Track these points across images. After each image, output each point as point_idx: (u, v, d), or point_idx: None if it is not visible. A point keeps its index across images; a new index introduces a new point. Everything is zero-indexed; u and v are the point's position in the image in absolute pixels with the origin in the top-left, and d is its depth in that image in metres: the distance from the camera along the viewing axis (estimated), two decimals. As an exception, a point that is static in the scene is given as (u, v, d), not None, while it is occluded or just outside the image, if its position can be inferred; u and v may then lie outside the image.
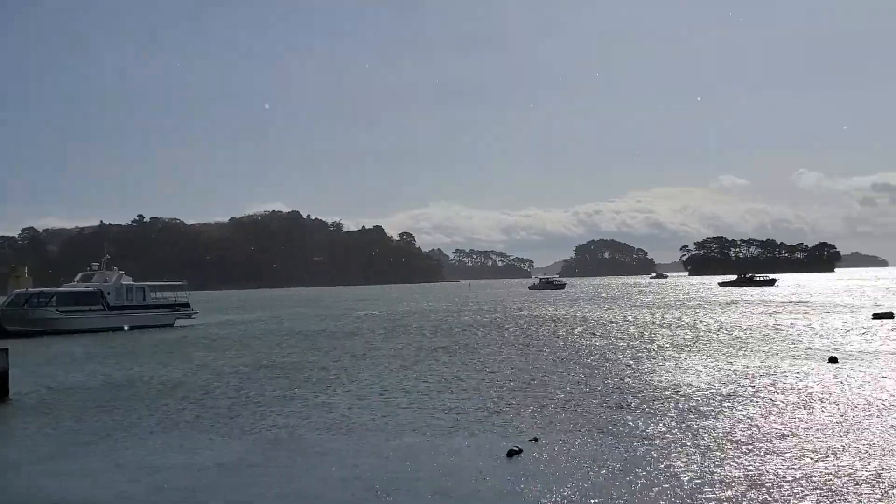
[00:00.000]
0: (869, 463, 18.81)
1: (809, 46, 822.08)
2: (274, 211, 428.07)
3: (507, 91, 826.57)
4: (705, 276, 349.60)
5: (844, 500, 16.10)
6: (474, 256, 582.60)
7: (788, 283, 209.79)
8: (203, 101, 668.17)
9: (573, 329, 64.67)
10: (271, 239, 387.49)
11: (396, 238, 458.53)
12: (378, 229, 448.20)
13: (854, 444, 20.73)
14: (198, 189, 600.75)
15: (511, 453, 20.69)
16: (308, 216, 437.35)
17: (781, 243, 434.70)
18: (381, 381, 35.60)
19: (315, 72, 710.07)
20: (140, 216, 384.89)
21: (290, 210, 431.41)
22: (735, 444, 21.11)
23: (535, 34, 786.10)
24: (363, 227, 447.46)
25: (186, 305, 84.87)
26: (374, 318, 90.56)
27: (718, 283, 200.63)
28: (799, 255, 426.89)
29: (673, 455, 20.14)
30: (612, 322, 72.05)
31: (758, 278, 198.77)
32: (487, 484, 18.12)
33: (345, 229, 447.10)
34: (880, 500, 16.05)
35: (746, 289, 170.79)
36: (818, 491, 16.67)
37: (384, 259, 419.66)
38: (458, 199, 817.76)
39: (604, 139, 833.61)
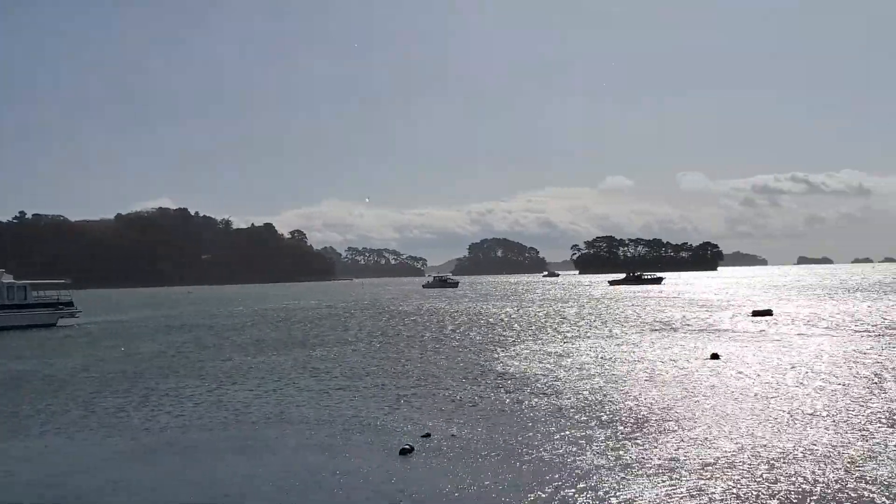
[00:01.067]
0: (741, 450, 19.70)
1: (689, 53, 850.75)
2: (161, 208, 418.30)
3: (400, 90, 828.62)
4: (595, 275, 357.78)
5: (718, 483, 16.83)
6: (367, 255, 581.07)
7: (674, 281, 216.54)
8: (86, 96, 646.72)
9: (463, 324, 65.28)
10: (159, 236, 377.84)
11: (288, 236, 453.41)
12: (269, 227, 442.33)
13: (728, 433, 21.64)
14: (82, 185, 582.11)
15: (404, 451, 20.81)
16: (196, 213, 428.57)
17: (667, 242, 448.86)
18: (275, 377, 35.27)
19: (203, 66, 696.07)
20: (22, 213, 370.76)
21: (177, 207, 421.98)
22: (617, 432, 21.79)
23: (420, 35, 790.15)
24: (253, 224, 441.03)
25: (70, 304, 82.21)
26: (265, 315, 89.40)
27: (608, 282, 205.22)
28: (684, 254, 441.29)
29: (555, 442, 20.65)
30: (502, 317, 73.00)
31: (645, 277, 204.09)
32: (380, 484, 18.14)
33: (234, 227, 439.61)
34: (748, 484, 16.82)
35: (635, 287, 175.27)
36: (695, 474, 17.37)
37: (275, 257, 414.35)
38: (350, 197, 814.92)
39: (497, 140, 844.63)
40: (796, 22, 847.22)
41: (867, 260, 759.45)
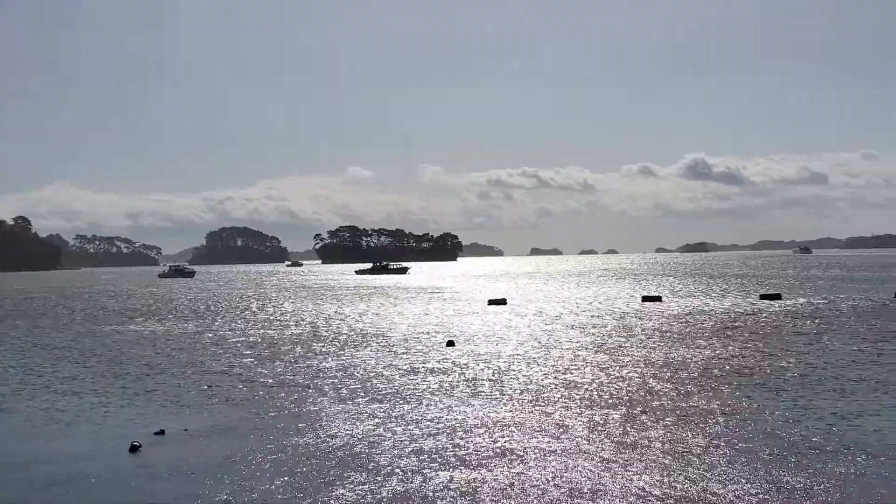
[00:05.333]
0: (474, 428, 20.51)
1: (432, 47, 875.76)
2: None
3: (132, 72, 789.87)
4: (339, 264, 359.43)
5: (457, 462, 17.41)
6: (97, 243, 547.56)
7: (418, 270, 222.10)
8: None
9: (202, 315, 63.49)
10: None
11: (10, 223, 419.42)
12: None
13: (464, 417, 22.46)
14: None
15: (134, 448, 19.89)
16: None
17: (409, 233, 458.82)
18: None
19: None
20: None
21: None
22: (361, 408, 22.02)
23: (141, 19, 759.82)
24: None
25: None
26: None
27: (355, 271, 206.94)
28: (426, 244, 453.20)
29: (291, 432, 20.54)
30: (245, 309, 71.77)
31: (392, 266, 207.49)
32: (107, 481, 17.24)
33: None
34: (477, 466, 17.54)
35: (382, 276, 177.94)
36: (438, 456, 17.87)
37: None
38: (78, 182, 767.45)
39: (235, 126, 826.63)
40: (531, 22, 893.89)
41: (592, 251, 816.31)
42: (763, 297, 72.76)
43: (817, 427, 20.71)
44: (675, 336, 42.37)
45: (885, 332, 41.80)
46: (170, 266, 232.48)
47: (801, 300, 68.51)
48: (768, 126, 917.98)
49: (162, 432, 21.65)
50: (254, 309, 73.50)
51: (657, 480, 16.24)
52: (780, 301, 68.15)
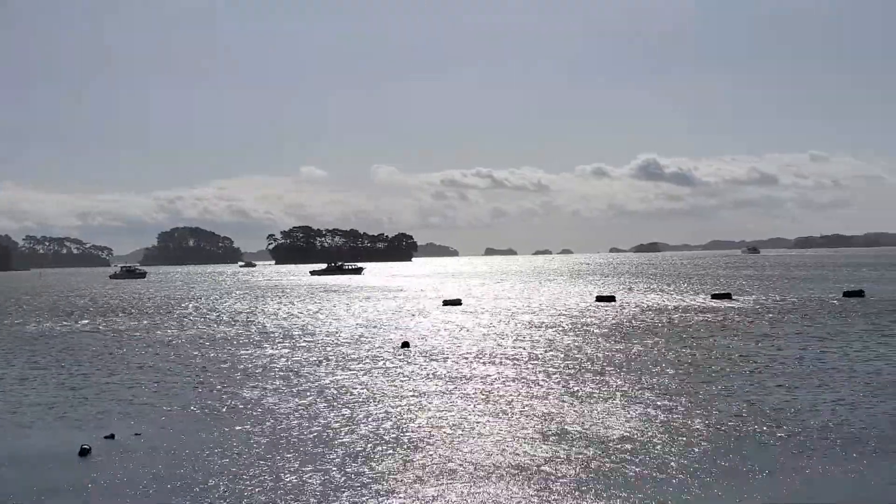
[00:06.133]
0: (433, 426, 20.61)
1: (389, 45, 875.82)
2: None
3: (80, 70, 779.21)
4: (293, 265, 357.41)
5: (416, 455, 17.48)
6: (47, 243, 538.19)
7: (373, 271, 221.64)
8: None
9: (152, 316, 62.75)
10: None
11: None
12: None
13: (418, 416, 22.53)
14: None
15: (84, 452, 19.63)
16: None
17: (364, 233, 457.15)
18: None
19: None
20: None
21: None
22: (315, 411, 21.98)
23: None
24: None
25: None
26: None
27: (310, 272, 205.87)
28: (380, 244, 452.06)
29: (241, 438, 20.46)
30: (196, 309, 71.08)
31: (346, 267, 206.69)
32: (54, 489, 16.97)
33: None
34: (434, 458, 17.63)
35: (337, 277, 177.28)
36: (402, 448, 17.93)
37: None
38: (27, 182, 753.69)
39: (187, 124, 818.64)
40: (485, 24, 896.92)
41: (547, 251, 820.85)
42: (714, 296, 73.78)
43: (763, 421, 21.11)
44: (628, 335, 42.84)
45: (832, 331, 42.66)
46: (121, 267, 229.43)
47: (751, 299, 69.64)
48: (719, 127, 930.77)
49: (112, 436, 21.37)
50: (205, 309, 72.84)
51: (609, 468, 16.48)
52: (730, 300, 69.19)
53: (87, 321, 62.87)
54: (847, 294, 70.55)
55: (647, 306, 64.38)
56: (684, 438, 19.69)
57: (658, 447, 18.93)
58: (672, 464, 17.53)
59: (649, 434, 20.23)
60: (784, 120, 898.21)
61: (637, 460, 17.83)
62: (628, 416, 22.42)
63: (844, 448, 18.59)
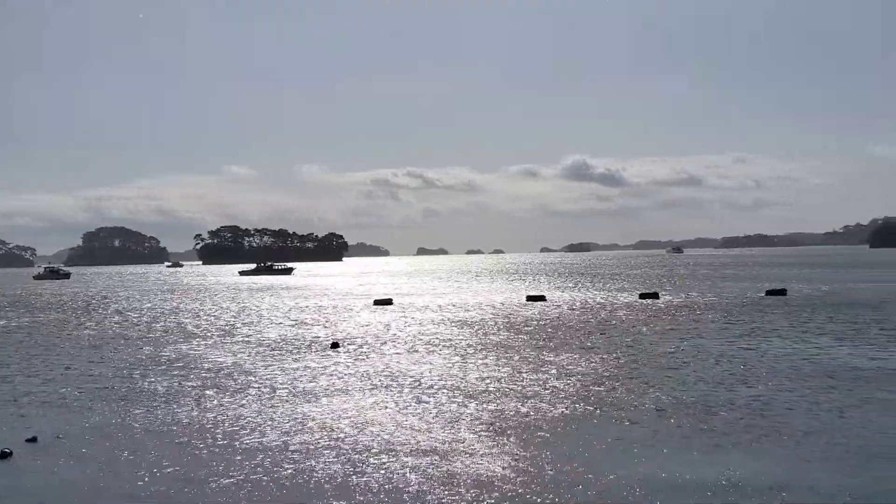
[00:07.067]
0: (359, 424, 20.72)
1: (297, 47, 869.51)
2: None
3: (7, 66, 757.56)
4: (221, 265, 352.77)
5: (335, 461, 17.54)
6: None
7: (303, 270, 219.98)
8: None
9: (74, 314, 61.46)
10: None
11: None
12: None
13: (346, 416, 22.60)
14: None
15: (4, 455, 19.24)
16: None
17: (293, 233, 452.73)
18: None
19: None
20: None
21: None
22: (244, 421, 21.90)
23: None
24: None
25: None
26: None
27: (239, 272, 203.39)
28: (310, 244, 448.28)
29: (157, 448, 20.29)
30: (120, 309, 69.79)
31: (276, 267, 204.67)
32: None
33: None
34: (354, 464, 17.72)
35: (267, 277, 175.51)
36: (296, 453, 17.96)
37: None
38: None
39: (111, 123, 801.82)
40: (414, 25, 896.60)
41: (479, 251, 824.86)
42: (642, 295, 75.09)
43: (683, 418, 21.67)
44: (556, 333, 43.43)
45: (754, 328, 43.85)
46: (44, 267, 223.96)
47: (678, 297, 71.07)
48: (646, 129, 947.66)
49: (34, 439, 20.95)
50: (130, 309, 71.53)
51: (523, 466, 16.77)
52: (657, 299, 70.52)
53: (6, 322, 61.31)
54: (769, 293, 72.50)
55: (577, 305, 65.29)
56: (607, 432, 20.10)
57: (579, 442, 19.29)
58: (590, 458, 17.89)
59: (572, 427, 20.63)
60: (708, 121, 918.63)
61: (553, 456, 18.16)
62: (552, 411, 22.78)
63: (761, 440, 19.20)
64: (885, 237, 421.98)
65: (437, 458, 18.18)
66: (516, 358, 34.10)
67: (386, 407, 24.13)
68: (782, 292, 71.87)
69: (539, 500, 15.29)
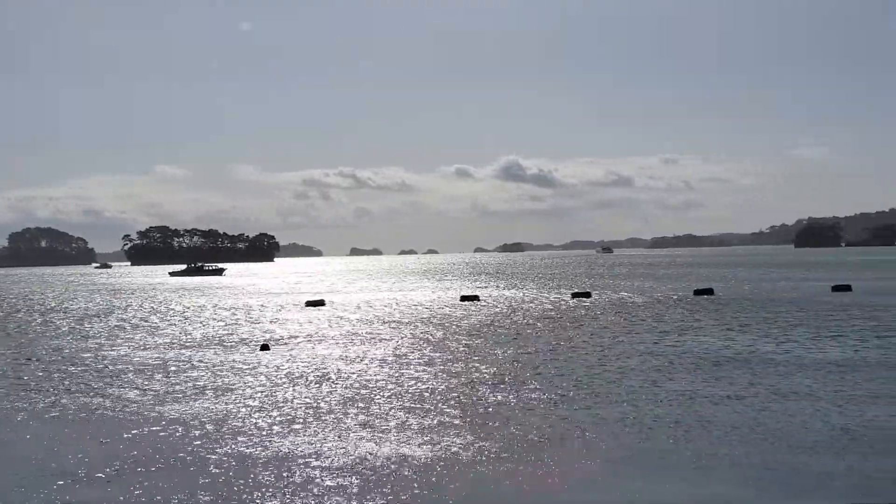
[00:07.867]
0: (286, 424, 20.50)
1: (226, 45, 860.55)
2: None
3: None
4: (150, 266, 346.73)
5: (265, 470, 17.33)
6: None
7: (235, 271, 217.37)
8: None
9: (6, 322, 59.80)
10: None
11: None
12: None
13: (277, 421, 22.36)
14: None
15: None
16: None
17: (224, 233, 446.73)
18: None
19: None
20: None
21: None
22: (172, 426, 21.44)
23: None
24: None
25: None
26: None
27: (169, 273, 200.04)
28: (241, 245, 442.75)
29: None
30: (49, 310, 68.11)
31: (207, 268, 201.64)
32: None
33: None
34: (283, 475, 17.54)
35: (197, 278, 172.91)
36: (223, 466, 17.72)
37: None
38: None
39: (36, 122, 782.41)
40: (344, 25, 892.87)
41: (412, 251, 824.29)
42: (574, 294, 75.80)
43: (609, 412, 21.94)
44: (488, 333, 43.66)
45: (682, 326, 44.71)
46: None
47: (607, 297, 72.01)
48: (578, 130, 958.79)
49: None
50: (56, 310, 69.63)
51: (441, 466, 16.80)
52: (589, 298, 71.31)
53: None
54: (697, 292, 73.81)
55: (509, 305, 65.66)
56: (530, 432, 20.23)
57: (505, 443, 19.37)
58: (518, 459, 17.98)
59: (490, 428, 20.71)
60: (638, 122, 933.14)
61: (470, 455, 18.19)
62: (474, 413, 22.86)
63: (687, 433, 19.54)
64: (808, 237, 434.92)
65: (366, 460, 18.08)
66: (446, 358, 34.14)
67: (311, 407, 23.93)
68: (710, 292, 73.21)
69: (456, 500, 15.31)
